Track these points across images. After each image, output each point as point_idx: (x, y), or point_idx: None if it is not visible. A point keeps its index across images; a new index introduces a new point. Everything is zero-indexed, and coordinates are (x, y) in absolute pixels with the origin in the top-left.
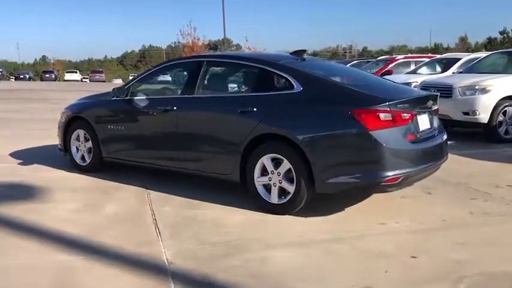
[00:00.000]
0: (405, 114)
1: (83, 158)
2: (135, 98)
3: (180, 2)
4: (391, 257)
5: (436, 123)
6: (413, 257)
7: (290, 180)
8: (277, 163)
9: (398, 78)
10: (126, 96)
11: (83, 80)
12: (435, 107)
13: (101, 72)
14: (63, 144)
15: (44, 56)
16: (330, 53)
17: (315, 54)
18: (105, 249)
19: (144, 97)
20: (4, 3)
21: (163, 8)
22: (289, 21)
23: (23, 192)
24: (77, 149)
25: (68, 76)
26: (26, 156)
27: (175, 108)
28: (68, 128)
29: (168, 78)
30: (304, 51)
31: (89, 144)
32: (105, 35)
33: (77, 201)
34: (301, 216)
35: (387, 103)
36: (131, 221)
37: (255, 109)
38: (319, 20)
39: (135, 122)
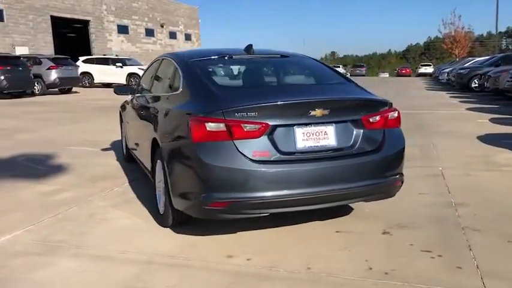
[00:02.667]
0: (250, 125)
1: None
2: (135, 95)
3: None
4: None
5: (359, 138)
6: None
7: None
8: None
9: None
10: (135, 94)
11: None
12: (357, 116)
13: (362, 66)
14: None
15: (333, 52)
16: None
17: None
18: None
19: (137, 95)
20: (292, 4)
21: None
22: None
23: (43, 172)
24: None
25: None
26: (118, 145)
27: (141, 105)
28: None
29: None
30: (250, 46)
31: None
32: (389, 29)
33: (58, 185)
34: (177, 233)
35: (221, 110)
36: (45, 209)
37: (157, 110)
38: None
39: (130, 118)
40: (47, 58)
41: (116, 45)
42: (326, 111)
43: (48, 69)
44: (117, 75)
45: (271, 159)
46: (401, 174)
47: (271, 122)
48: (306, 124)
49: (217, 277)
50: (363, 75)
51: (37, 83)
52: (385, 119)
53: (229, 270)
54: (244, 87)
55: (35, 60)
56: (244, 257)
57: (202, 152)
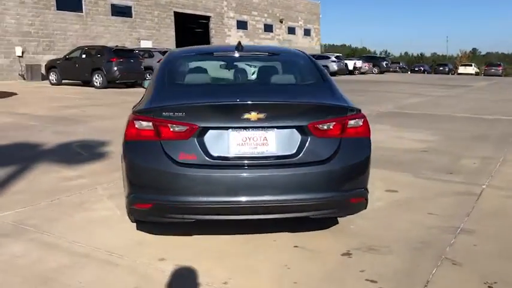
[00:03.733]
0: (178, 126)
1: None
2: None
3: None
4: None
5: (304, 147)
6: None
7: None
8: None
9: None
10: None
11: (477, 74)
12: (304, 123)
13: (498, 65)
14: None
15: (474, 49)
16: None
17: None
18: None
19: None
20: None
21: None
22: None
23: (83, 157)
24: None
25: (461, 69)
26: None
27: None
28: None
29: None
30: (238, 43)
31: None
32: None
33: (82, 171)
34: (137, 229)
35: (151, 109)
36: (51, 194)
37: None
38: None
39: None
40: (159, 51)
41: (234, 40)
42: (262, 115)
43: (158, 61)
44: None
45: (198, 163)
46: (364, 190)
47: (201, 124)
48: (244, 128)
49: (127, 279)
50: (499, 75)
51: (148, 75)
52: (343, 127)
53: (145, 274)
54: (197, 85)
55: (149, 53)
56: (174, 263)
57: (130, 151)
